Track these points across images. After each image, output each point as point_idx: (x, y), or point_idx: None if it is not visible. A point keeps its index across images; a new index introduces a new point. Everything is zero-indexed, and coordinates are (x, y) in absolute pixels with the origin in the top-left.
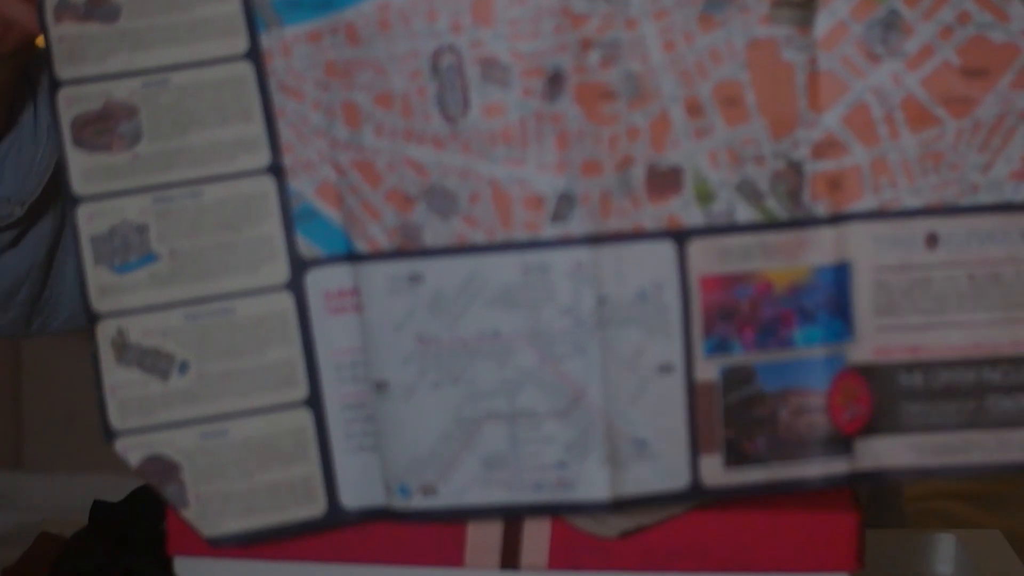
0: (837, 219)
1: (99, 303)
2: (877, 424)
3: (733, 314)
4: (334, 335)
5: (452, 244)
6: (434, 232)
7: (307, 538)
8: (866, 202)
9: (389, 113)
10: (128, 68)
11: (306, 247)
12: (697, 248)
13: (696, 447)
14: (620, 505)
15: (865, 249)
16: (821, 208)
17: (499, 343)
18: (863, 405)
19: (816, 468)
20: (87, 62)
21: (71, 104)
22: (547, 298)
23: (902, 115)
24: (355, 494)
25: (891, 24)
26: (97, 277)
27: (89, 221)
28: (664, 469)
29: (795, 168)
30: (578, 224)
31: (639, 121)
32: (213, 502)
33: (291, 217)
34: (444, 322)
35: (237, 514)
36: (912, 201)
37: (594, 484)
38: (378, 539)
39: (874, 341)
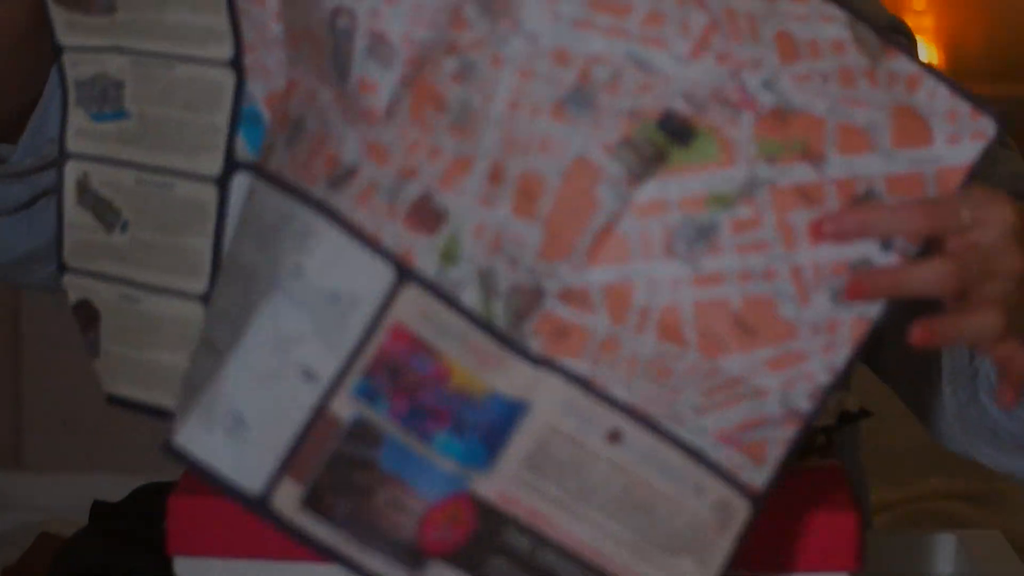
0: (544, 363)
1: (72, 143)
2: (460, 559)
3: (398, 377)
4: None
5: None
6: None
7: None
8: (579, 366)
9: (307, 51)
10: None
11: (242, 149)
12: (410, 295)
13: (285, 465)
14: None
15: (551, 405)
16: (535, 344)
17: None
18: (459, 535)
19: (378, 564)
20: None
21: None
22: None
23: (657, 317)
24: None
25: (703, 234)
26: (76, 118)
27: (74, 67)
28: (245, 463)
29: (536, 295)
30: (344, 199)
31: (447, 146)
32: (113, 362)
33: (239, 115)
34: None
35: (133, 382)
36: (620, 392)
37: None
38: None
39: (505, 486)
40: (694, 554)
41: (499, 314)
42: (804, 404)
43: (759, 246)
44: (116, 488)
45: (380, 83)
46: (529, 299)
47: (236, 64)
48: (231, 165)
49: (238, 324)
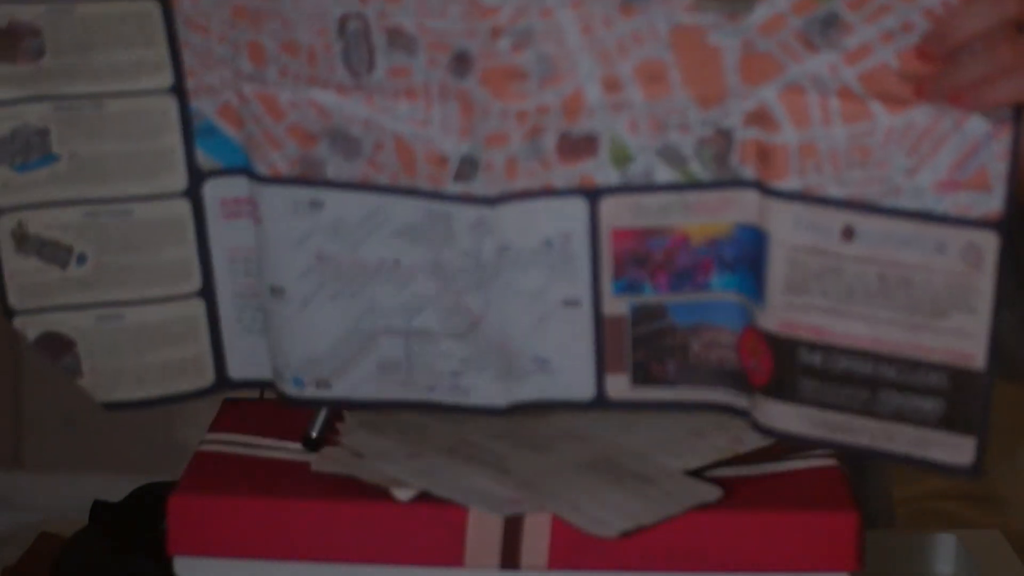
0: (762, 188)
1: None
2: (775, 389)
3: (646, 261)
4: (229, 236)
5: (355, 180)
6: (337, 168)
7: (307, 538)
8: (790, 182)
9: (294, 60)
10: None
11: (205, 160)
12: (610, 204)
13: (602, 367)
14: (516, 409)
15: (784, 226)
16: (748, 171)
17: (399, 271)
18: (764, 365)
19: (721, 396)
20: None
21: None
22: (448, 241)
23: (836, 103)
24: (243, 368)
25: (831, 22)
26: None
27: None
28: (566, 382)
29: (724, 134)
30: (480, 186)
31: (550, 98)
32: (106, 374)
33: (192, 132)
34: (344, 246)
35: (129, 386)
36: (835, 191)
37: (488, 393)
38: (378, 539)
39: (781, 314)
40: (962, 307)
41: (698, 171)
42: (1001, 109)
43: (883, 9)
44: (116, 488)
45: (411, 66)
46: (719, 141)
47: (177, 89)
48: (198, 176)
49: (480, 307)
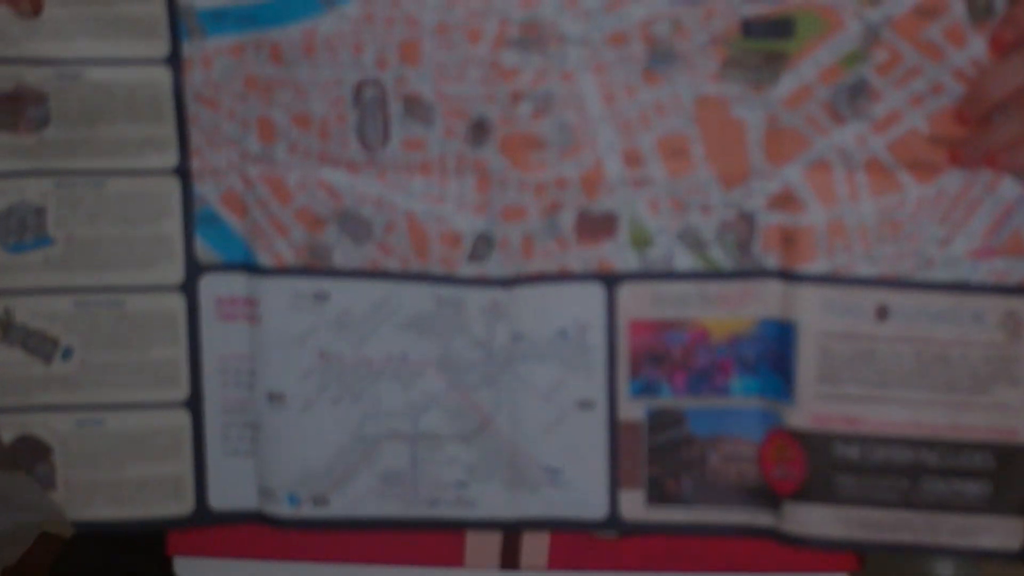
0: (787, 276)
1: None
2: (809, 492)
3: (664, 359)
4: (222, 340)
5: (364, 268)
6: (345, 254)
7: (307, 538)
8: (819, 264)
9: (305, 134)
10: (44, 55)
11: (204, 251)
12: (628, 292)
13: (616, 482)
14: (525, 526)
15: (813, 313)
16: (771, 260)
17: (406, 366)
18: (796, 469)
19: (741, 516)
20: (3, 42)
21: None
22: (460, 330)
23: (864, 177)
24: (224, 496)
25: (859, 89)
26: None
27: None
28: (579, 498)
29: (747, 219)
30: (495, 266)
31: (570, 171)
32: (81, 488)
33: (193, 219)
34: (349, 341)
35: (104, 503)
36: (866, 269)
37: (495, 505)
38: (378, 539)
39: (813, 408)
40: (1003, 379)
41: (720, 257)
42: None
43: (913, 73)
44: None
45: (427, 138)
46: (741, 226)
47: (181, 170)
48: (194, 269)
49: (490, 405)
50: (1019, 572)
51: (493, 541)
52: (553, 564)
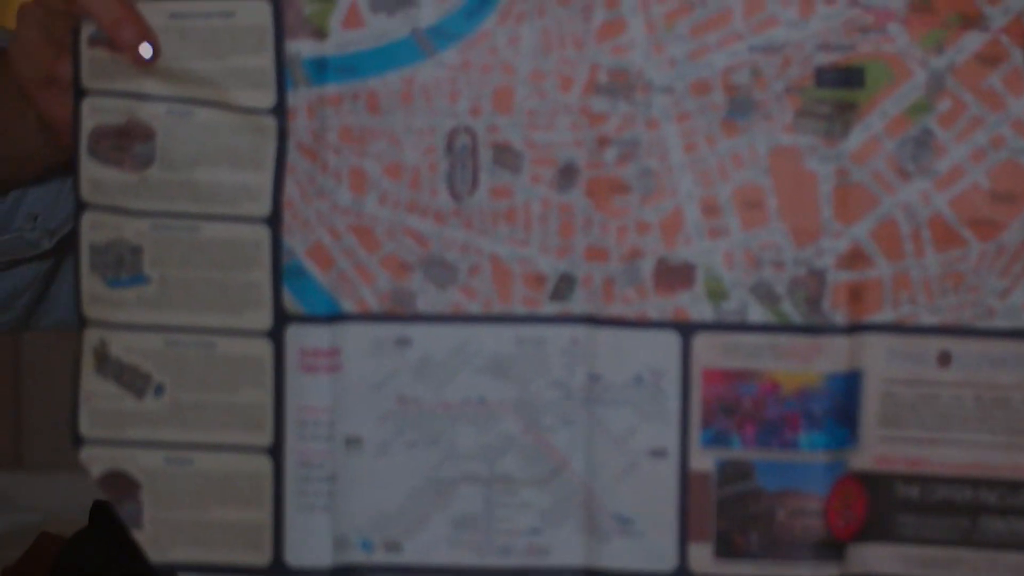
0: (853, 329)
1: (88, 309)
2: (870, 531)
3: (735, 410)
4: (302, 392)
5: (446, 312)
6: (428, 300)
7: None
8: (884, 315)
9: (396, 184)
10: (156, 93)
11: (290, 302)
12: (703, 342)
13: (686, 533)
14: (592, 574)
15: (877, 360)
16: (839, 317)
17: (484, 409)
18: (858, 511)
19: (806, 570)
20: (117, 79)
21: (94, 113)
22: (539, 370)
23: (928, 233)
24: (298, 553)
25: (924, 143)
26: (90, 284)
27: (91, 229)
28: (649, 549)
29: (817, 276)
30: (577, 304)
31: (650, 216)
32: (166, 528)
33: (280, 271)
34: (429, 386)
35: (186, 544)
36: (929, 319)
37: (569, 551)
38: None
39: (876, 450)
40: None
41: (790, 312)
42: None
43: (974, 124)
44: None
45: (514, 186)
46: (811, 283)
47: (272, 221)
48: (282, 319)
49: (566, 448)
50: None
51: None
52: None
